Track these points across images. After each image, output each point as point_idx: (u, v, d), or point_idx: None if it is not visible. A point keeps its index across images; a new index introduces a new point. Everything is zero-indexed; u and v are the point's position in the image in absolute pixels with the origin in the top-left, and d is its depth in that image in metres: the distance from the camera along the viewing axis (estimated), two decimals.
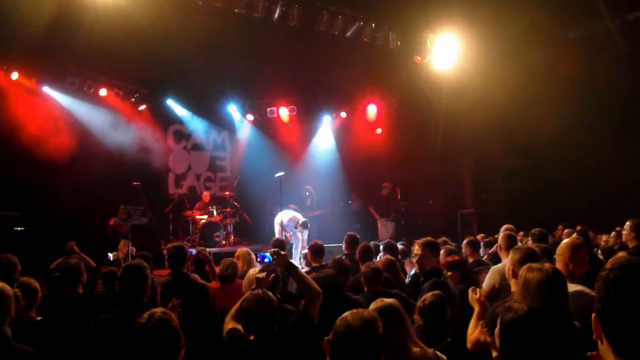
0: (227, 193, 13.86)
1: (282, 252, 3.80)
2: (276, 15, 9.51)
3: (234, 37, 10.25)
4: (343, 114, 15.10)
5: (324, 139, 15.36)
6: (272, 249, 3.83)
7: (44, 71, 11.63)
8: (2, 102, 10.69)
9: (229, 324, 3.42)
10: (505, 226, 7.14)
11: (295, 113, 14.73)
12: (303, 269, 6.29)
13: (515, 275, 3.45)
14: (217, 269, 5.65)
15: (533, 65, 10.53)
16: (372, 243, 6.74)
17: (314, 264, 6.22)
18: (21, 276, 4.97)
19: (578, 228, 7.87)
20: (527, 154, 12.30)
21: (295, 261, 8.88)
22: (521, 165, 12.28)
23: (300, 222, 11.39)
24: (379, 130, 14.90)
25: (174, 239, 12.44)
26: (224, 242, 12.64)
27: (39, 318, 3.91)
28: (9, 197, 10.15)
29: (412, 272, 6.04)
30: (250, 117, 14.92)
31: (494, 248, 6.81)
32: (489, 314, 3.29)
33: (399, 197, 13.69)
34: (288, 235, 11.40)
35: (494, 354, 2.83)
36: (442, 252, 5.63)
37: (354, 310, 2.26)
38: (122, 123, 12.52)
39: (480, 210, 12.92)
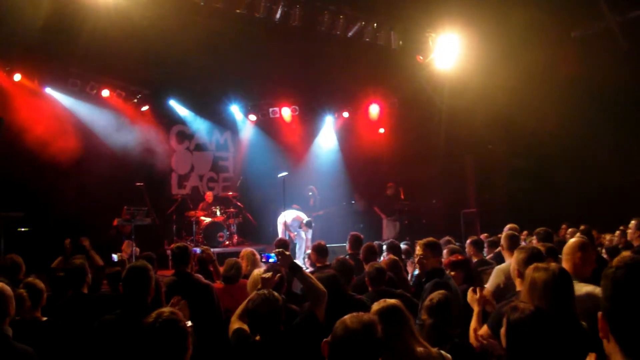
0: (230, 193, 13.87)
1: (287, 253, 3.81)
2: (278, 16, 9.50)
3: (235, 37, 10.24)
4: (345, 114, 15.11)
5: (327, 139, 15.36)
6: (277, 250, 3.84)
7: (47, 72, 11.63)
8: (5, 103, 10.71)
9: (235, 324, 3.43)
10: (508, 225, 7.16)
11: (297, 113, 14.74)
12: (307, 269, 6.30)
13: (520, 274, 3.45)
14: (221, 269, 5.66)
15: (534, 65, 10.53)
16: (375, 243, 6.75)
17: (317, 264, 6.22)
18: (25, 276, 5.00)
19: (582, 227, 7.85)
20: (529, 153, 12.30)
21: (299, 261, 8.89)
22: (523, 164, 12.27)
23: (304, 221, 11.40)
24: (381, 130, 14.91)
25: (178, 239, 12.45)
26: (227, 242, 12.65)
27: (45, 318, 3.93)
28: (13, 198, 10.16)
29: (416, 272, 6.04)
30: (252, 117, 14.92)
31: (498, 248, 6.80)
32: (494, 313, 3.29)
33: (402, 196, 13.68)
34: (292, 235, 11.40)
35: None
36: (445, 251, 5.63)
37: (354, 314, 2.28)
38: (125, 124, 12.53)
39: (483, 209, 12.91)
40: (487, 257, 6.73)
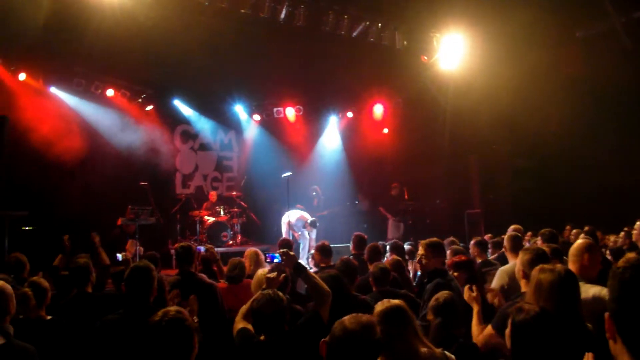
0: (234, 193, 13.89)
1: (291, 253, 3.81)
2: (282, 16, 9.50)
3: (240, 37, 10.24)
4: (350, 114, 15.09)
5: (331, 139, 15.36)
6: (281, 250, 3.84)
7: (51, 72, 11.67)
8: (9, 102, 10.73)
9: (240, 324, 3.43)
10: (512, 226, 7.14)
11: (301, 113, 14.75)
12: (311, 269, 6.29)
13: (525, 275, 3.44)
14: (225, 269, 5.66)
15: (538, 65, 10.51)
16: (379, 243, 6.74)
17: (321, 264, 6.22)
18: (30, 275, 5.02)
19: (586, 228, 7.85)
20: (532, 153, 12.27)
21: (303, 261, 8.88)
22: (527, 164, 12.25)
23: (308, 221, 11.39)
24: (385, 130, 14.89)
25: (182, 238, 12.47)
26: (231, 242, 12.66)
27: (49, 317, 3.94)
28: (17, 197, 10.18)
29: (419, 272, 6.03)
30: (256, 117, 14.95)
31: (502, 249, 6.78)
32: (500, 314, 3.28)
33: (406, 197, 13.67)
34: (296, 235, 11.40)
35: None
36: (449, 252, 5.62)
37: (353, 315, 2.28)
38: (129, 124, 12.56)
39: (488, 209, 12.88)
40: (491, 258, 6.71)
